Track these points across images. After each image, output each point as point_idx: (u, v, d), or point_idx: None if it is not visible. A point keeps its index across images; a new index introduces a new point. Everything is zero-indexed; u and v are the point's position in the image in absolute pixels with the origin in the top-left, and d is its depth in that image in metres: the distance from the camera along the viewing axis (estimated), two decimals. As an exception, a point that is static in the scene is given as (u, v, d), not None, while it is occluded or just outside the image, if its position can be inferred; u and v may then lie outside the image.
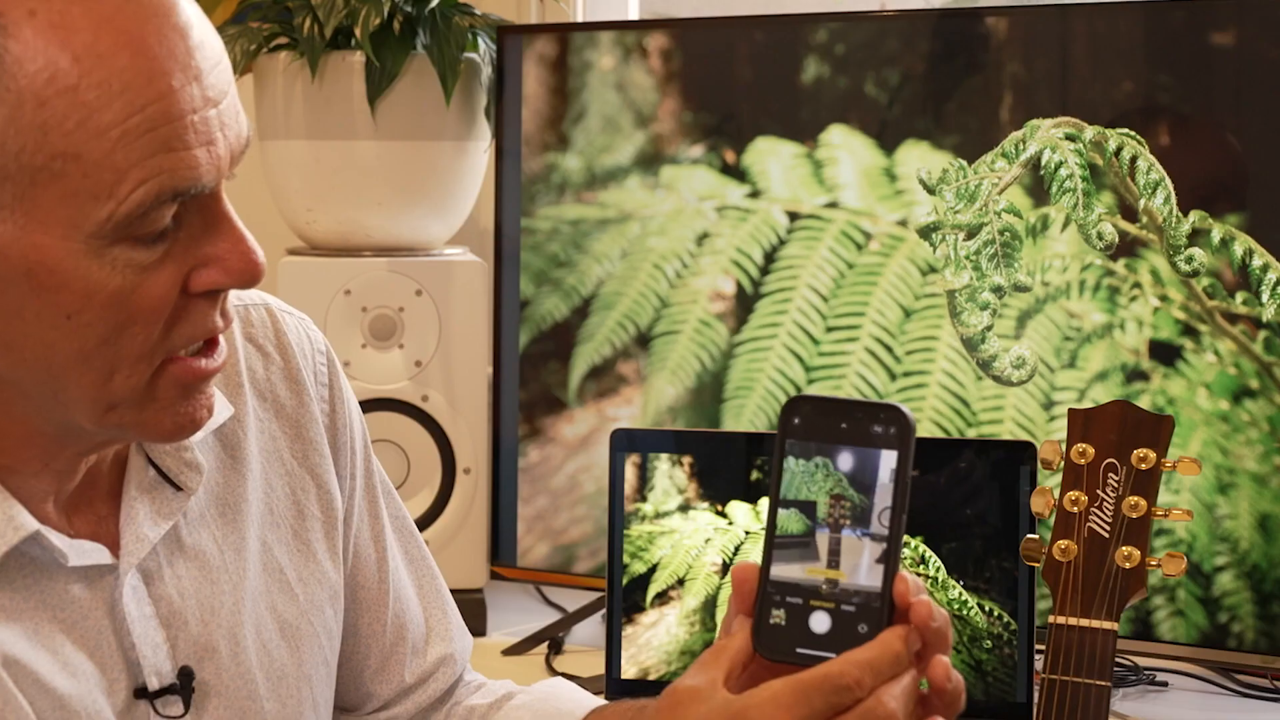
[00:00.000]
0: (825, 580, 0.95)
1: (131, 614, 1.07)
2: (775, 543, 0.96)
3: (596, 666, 1.88)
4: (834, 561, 0.95)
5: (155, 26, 0.96)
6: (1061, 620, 1.26)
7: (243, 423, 1.17)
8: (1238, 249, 1.77)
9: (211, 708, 1.11)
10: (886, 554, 0.94)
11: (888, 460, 0.95)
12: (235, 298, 1.15)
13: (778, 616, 0.95)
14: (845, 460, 0.95)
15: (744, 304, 2.02)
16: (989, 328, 1.89)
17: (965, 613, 1.73)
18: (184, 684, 1.09)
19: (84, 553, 1.05)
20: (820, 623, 0.95)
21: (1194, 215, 1.78)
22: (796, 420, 0.96)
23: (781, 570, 0.96)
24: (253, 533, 1.16)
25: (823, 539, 0.95)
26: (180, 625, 1.10)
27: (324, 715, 1.20)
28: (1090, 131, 1.83)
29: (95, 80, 0.94)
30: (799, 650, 0.95)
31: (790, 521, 0.96)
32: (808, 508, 0.96)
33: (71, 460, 1.06)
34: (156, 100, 0.95)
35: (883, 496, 0.94)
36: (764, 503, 1.61)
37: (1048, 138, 1.85)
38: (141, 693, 1.07)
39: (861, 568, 0.94)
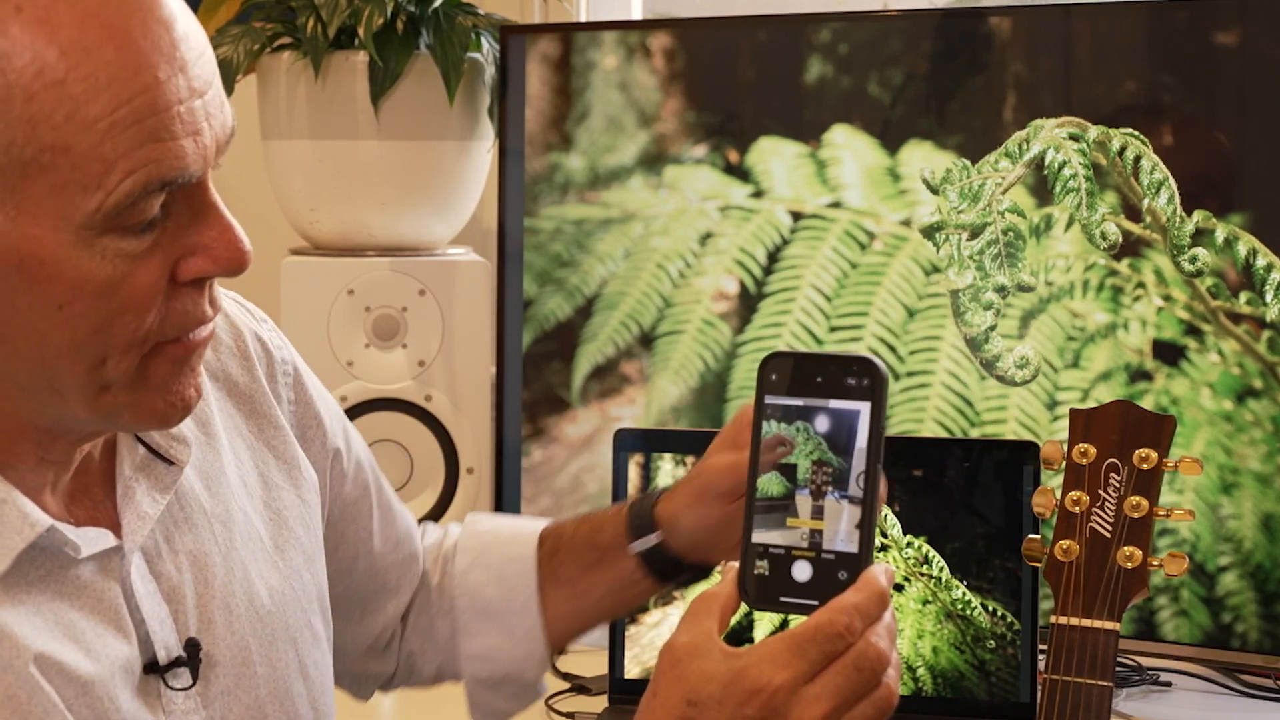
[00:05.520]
0: (807, 531, 0.97)
1: (139, 591, 1.09)
2: (756, 505, 0.98)
3: (600, 666, 1.88)
4: (816, 516, 0.98)
5: (140, 19, 0.97)
6: (1063, 620, 1.26)
7: (207, 402, 1.20)
8: (1241, 249, 1.76)
9: (214, 677, 1.13)
10: (864, 513, 0.97)
11: (863, 415, 0.97)
12: None
13: (761, 567, 0.98)
14: (823, 423, 0.98)
15: (747, 304, 2.02)
16: (992, 327, 1.89)
17: (969, 612, 1.73)
18: (191, 655, 1.11)
19: (91, 541, 1.06)
20: (802, 571, 0.97)
21: (1198, 215, 1.78)
22: (774, 376, 0.99)
23: (764, 529, 0.98)
24: (235, 504, 1.18)
25: (803, 500, 0.98)
26: (180, 599, 1.12)
27: (312, 676, 1.22)
28: (1094, 131, 1.83)
29: (82, 73, 0.95)
30: (782, 599, 0.98)
31: (771, 484, 0.98)
32: (788, 470, 0.99)
33: (66, 450, 1.07)
34: (143, 92, 0.96)
35: (859, 460, 0.97)
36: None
37: (1051, 137, 1.85)
38: (152, 667, 1.09)
39: (841, 527, 0.97)
